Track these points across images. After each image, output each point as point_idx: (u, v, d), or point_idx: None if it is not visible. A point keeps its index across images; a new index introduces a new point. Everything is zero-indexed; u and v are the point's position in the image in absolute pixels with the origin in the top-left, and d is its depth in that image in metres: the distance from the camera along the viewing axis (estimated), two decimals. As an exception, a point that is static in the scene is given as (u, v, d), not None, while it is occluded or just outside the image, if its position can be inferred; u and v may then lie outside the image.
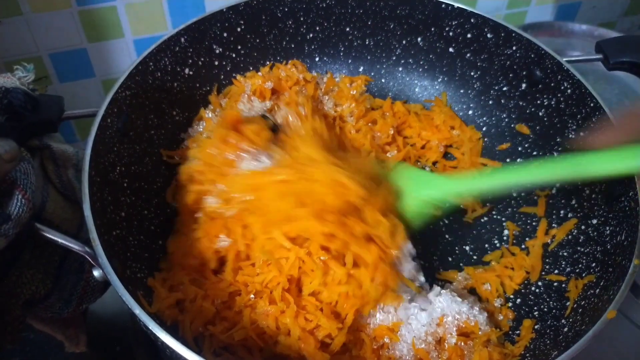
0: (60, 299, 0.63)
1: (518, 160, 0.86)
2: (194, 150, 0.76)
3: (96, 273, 0.58)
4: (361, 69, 0.95)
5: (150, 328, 0.52)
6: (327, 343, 0.64)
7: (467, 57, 0.90)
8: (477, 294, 0.74)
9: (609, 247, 0.68)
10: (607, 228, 0.69)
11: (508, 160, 0.87)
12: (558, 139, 0.81)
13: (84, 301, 0.66)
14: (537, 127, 0.85)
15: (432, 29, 0.90)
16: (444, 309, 0.66)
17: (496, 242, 0.80)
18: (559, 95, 0.80)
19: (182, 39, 0.80)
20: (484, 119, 0.91)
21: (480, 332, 0.65)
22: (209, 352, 0.62)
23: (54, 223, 0.62)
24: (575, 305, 0.67)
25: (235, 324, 0.64)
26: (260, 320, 0.63)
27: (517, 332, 0.70)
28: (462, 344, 0.64)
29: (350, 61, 0.95)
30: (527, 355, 0.65)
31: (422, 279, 0.70)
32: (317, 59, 0.94)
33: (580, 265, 0.71)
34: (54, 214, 0.62)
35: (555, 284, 0.73)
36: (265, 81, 0.84)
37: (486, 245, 0.80)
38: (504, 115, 0.89)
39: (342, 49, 0.94)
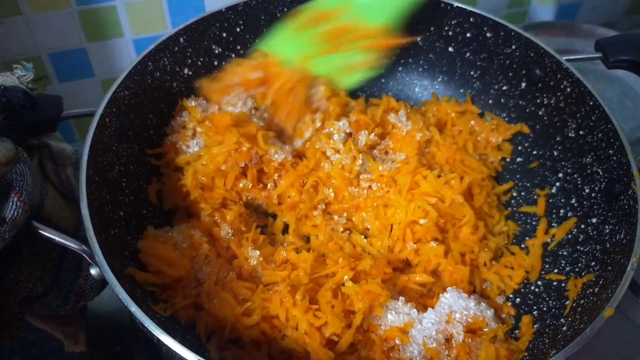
0: (58, 297, 0.63)
1: (518, 159, 0.86)
2: (197, 163, 0.75)
3: (93, 271, 0.58)
4: (361, 68, 0.95)
5: (146, 326, 0.52)
6: (334, 341, 0.64)
7: (467, 57, 0.89)
8: (477, 293, 0.74)
9: (608, 245, 0.67)
10: (607, 227, 0.69)
11: (508, 159, 0.87)
12: (558, 138, 0.81)
13: (81, 299, 0.66)
14: (537, 126, 0.84)
15: (432, 29, 0.89)
16: (451, 306, 0.66)
17: (496, 241, 0.80)
18: (558, 94, 0.80)
19: (181, 39, 0.80)
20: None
21: (487, 329, 0.65)
22: (216, 345, 0.63)
23: (52, 221, 0.62)
24: (574, 304, 0.67)
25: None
26: (272, 308, 0.64)
27: (516, 331, 0.70)
28: (470, 340, 0.64)
29: (349, 61, 0.95)
30: (526, 354, 0.65)
31: None
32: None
33: (579, 264, 0.71)
34: (52, 212, 0.62)
35: (555, 283, 0.72)
36: (253, 70, 0.81)
37: (486, 245, 0.80)
38: (504, 115, 0.89)
39: (342, 49, 0.94)
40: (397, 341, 0.65)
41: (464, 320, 0.65)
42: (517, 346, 0.66)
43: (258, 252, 0.70)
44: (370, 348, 0.65)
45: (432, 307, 0.67)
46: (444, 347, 0.64)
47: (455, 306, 0.66)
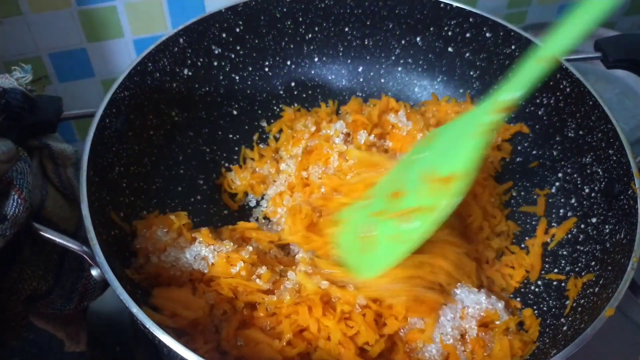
0: (62, 296, 0.63)
1: (517, 159, 0.86)
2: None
3: (94, 272, 0.58)
4: (360, 69, 0.95)
5: (147, 327, 0.52)
6: (365, 349, 0.63)
7: (467, 57, 0.90)
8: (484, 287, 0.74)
9: (608, 245, 0.67)
10: (607, 226, 0.69)
11: (508, 159, 0.87)
12: (557, 138, 0.81)
13: (84, 299, 0.66)
14: (537, 126, 0.84)
15: (431, 29, 0.89)
16: (463, 301, 0.67)
17: (496, 241, 0.80)
18: (558, 94, 0.80)
19: (181, 40, 0.80)
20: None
21: (499, 322, 0.66)
22: None
23: (53, 221, 0.62)
24: (574, 304, 0.67)
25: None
26: (301, 319, 0.63)
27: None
28: (483, 334, 0.65)
29: (349, 61, 0.95)
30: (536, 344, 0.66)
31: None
32: (316, 59, 0.94)
33: (579, 264, 0.71)
34: (53, 213, 0.63)
35: (555, 282, 0.73)
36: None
37: (486, 245, 0.80)
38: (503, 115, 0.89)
39: (341, 49, 0.94)
40: (419, 343, 0.65)
41: (477, 315, 0.66)
42: (529, 337, 0.67)
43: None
44: (394, 352, 0.65)
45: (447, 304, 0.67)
46: (459, 342, 0.64)
47: (467, 301, 0.67)
